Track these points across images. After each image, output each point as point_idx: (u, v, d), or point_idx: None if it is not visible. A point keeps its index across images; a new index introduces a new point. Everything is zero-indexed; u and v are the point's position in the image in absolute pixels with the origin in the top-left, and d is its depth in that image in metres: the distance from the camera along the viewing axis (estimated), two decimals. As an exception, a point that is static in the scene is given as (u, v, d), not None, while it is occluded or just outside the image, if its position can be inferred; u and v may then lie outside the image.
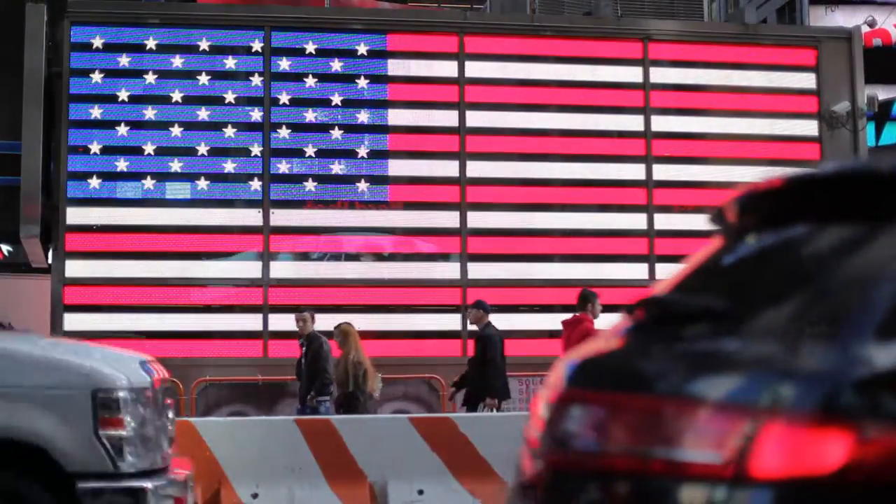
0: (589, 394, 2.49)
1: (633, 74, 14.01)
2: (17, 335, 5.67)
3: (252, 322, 12.90)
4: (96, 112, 12.92)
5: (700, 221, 14.91)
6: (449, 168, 13.47)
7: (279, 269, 13.04)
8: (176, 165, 12.96)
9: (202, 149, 13.03)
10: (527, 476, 2.69)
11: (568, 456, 2.48)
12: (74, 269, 12.70)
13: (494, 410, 10.38)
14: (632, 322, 2.65)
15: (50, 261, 13.24)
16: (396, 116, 13.50)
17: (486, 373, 10.57)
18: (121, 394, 5.04)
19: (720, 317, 2.30)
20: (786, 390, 1.96)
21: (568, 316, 10.72)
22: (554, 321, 13.47)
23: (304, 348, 10.95)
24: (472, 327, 11.61)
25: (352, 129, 13.35)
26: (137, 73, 13.07)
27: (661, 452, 2.14)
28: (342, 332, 10.81)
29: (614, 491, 2.30)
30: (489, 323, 11.00)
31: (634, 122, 13.92)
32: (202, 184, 12.99)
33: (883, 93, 17.95)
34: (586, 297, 10.37)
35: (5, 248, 19.69)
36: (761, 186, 2.61)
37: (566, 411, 2.52)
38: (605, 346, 2.69)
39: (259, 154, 13.14)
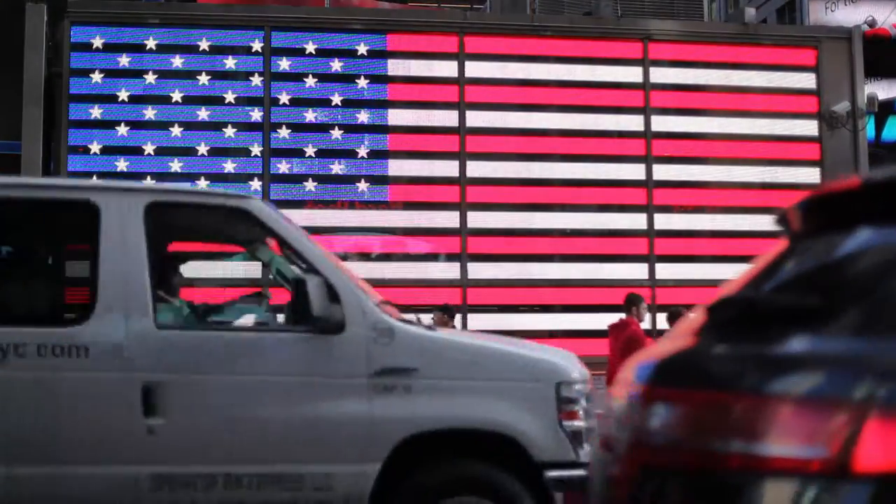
0: (671, 392, 2.54)
1: (633, 74, 14.01)
2: (475, 333, 5.87)
3: (252, 322, 12.89)
4: (96, 112, 12.92)
5: (700, 221, 14.99)
6: (449, 168, 13.47)
7: (279, 269, 13.03)
8: (176, 165, 12.96)
9: (202, 149, 13.04)
10: (607, 474, 2.73)
11: (650, 453, 2.52)
12: (75, 269, 12.69)
13: None
14: (706, 321, 2.67)
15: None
16: (396, 116, 13.50)
17: None
18: (577, 386, 5.23)
19: (801, 314, 2.33)
20: (882, 385, 2.00)
21: (605, 317, 10.58)
22: (554, 321, 13.51)
23: None
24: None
25: (352, 129, 13.35)
26: (137, 73, 13.07)
27: (749, 448, 2.17)
28: None
29: (698, 486, 2.33)
30: (453, 328, 10.85)
31: (634, 122, 13.92)
32: (202, 184, 12.99)
33: (884, 88, 17.93)
34: (632, 301, 10.23)
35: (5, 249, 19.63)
36: (831, 189, 2.63)
37: (647, 410, 2.57)
38: (681, 345, 2.72)
39: (259, 154, 13.14)
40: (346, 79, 13.43)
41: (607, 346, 13.47)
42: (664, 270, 13.69)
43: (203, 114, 13.09)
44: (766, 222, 13.98)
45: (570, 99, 13.85)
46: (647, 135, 13.88)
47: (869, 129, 15.42)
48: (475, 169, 13.50)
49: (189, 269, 12.81)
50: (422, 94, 13.59)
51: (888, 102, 20.61)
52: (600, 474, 2.82)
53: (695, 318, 2.76)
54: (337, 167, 13.28)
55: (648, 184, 13.78)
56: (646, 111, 13.93)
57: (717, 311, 2.67)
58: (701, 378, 2.48)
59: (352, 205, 13.28)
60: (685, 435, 2.40)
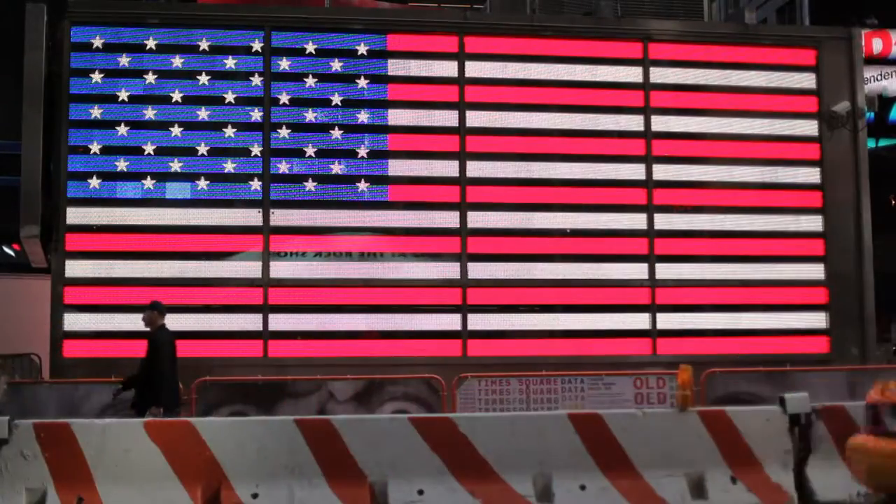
0: None
1: (633, 74, 14.01)
2: None
3: (252, 322, 12.90)
4: (96, 112, 12.93)
5: (700, 221, 14.97)
6: (449, 168, 13.47)
7: (279, 269, 13.05)
8: (176, 165, 12.96)
9: (202, 149, 13.04)
10: None
11: None
12: (74, 269, 12.71)
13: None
14: None
15: (50, 261, 13.23)
16: (396, 116, 13.50)
17: (152, 379, 10.01)
18: None
19: None
20: None
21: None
22: (554, 321, 13.50)
23: None
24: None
25: (352, 129, 13.35)
26: (137, 73, 13.07)
27: None
28: None
29: None
30: (163, 325, 10.67)
31: (634, 122, 13.92)
32: (202, 184, 12.99)
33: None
34: None
35: (9, 252, 19.67)
36: None
37: None
38: None
39: (259, 154, 13.14)
40: (346, 79, 13.43)
41: (604, 345, 13.49)
42: (664, 270, 13.69)
43: (203, 114, 13.09)
44: (766, 222, 14.01)
45: (570, 99, 13.85)
46: (647, 135, 13.88)
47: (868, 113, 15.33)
48: (475, 169, 13.50)
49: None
50: (422, 94, 13.59)
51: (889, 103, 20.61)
52: None
53: None
54: (337, 167, 13.27)
55: (648, 184, 13.78)
56: (646, 111, 13.93)
57: None
58: None
59: (352, 205, 13.28)
60: None
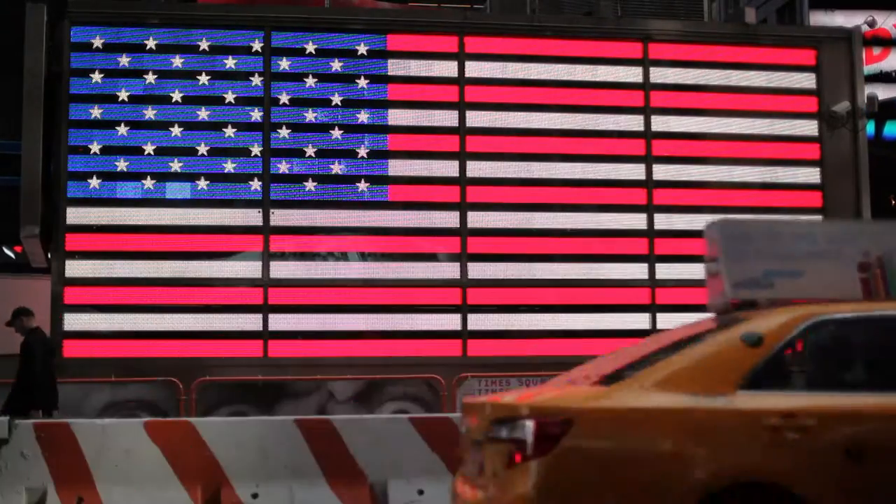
0: None
1: (633, 74, 14.01)
2: None
3: (252, 322, 12.90)
4: (96, 112, 12.93)
5: (700, 221, 14.97)
6: (449, 168, 13.47)
7: (279, 269, 13.05)
8: (176, 165, 12.96)
9: (202, 149, 13.04)
10: None
11: None
12: (74, 269, 12.71)
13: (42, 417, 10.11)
14: None
15: (50, 261, 13.23)
16: (396, 116, 13.50)
17: (27, 383, 10.39)
18: None
19: None
20: None
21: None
22: (554, 321, 13.50)
23: None
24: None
25: (352, 129, 13.35)
26: (137, 73, 13.08)
27: None
28: None
29: None
30: (36, 328, 10.74)
31: (634, 122, 13.92)
32: (202, 184, 12.99)
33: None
34: None
35: (8, 252, 19.65)
36: None
37: None
38: None
39: (259, 154, 13.14)
40: (346, 79, 13.43)
41: (604, 345, 13.47)
42: (664, 270, 13.69)
43: (203, 114, 13.10)
44: (766, 222, 13.99)
45: (570, 99, 13.85)
46: (647, 135, 13.88)
47: (868, 132, 15.39)
48: (475, 169, 13.50)
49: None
50: (422, 94, 13.59)
51: (889, 102, 20.62)
52: None
53: None
54: (337, 167, 13.28)
55: (648, 184, 13.79)
56: (646, 111, 13.93)
57: None
58: None
59: (352, 205, 13.28)
60: None
